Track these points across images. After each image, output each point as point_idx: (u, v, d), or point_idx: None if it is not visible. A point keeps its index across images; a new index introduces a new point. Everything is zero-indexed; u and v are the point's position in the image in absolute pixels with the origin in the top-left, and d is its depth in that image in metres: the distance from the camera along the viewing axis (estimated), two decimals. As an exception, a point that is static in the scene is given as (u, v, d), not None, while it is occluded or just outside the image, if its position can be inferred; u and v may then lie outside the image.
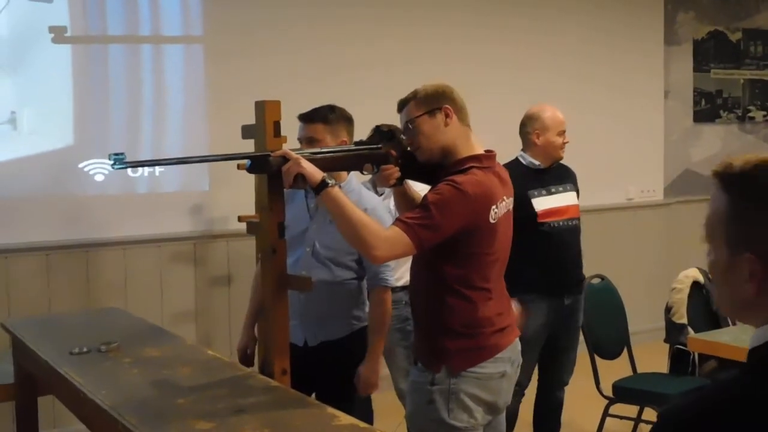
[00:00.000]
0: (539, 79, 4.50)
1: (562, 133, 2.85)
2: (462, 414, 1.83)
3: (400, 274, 2.78)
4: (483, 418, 1.87)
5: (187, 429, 1.57)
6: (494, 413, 1.92)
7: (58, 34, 3.39)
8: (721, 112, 5.36)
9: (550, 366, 2.92)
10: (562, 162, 2.93)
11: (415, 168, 1.92)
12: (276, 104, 1.89)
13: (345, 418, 1.61)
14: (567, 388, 3.02)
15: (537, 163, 2.84)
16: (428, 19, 4.23)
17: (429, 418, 1.85)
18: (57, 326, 2.62)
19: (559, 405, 3.01)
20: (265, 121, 1.87)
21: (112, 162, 1.64)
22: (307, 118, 2.28)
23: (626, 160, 4.92)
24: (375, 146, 1.91)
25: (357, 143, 1.96)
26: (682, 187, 5.18)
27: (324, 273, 2.27)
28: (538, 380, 2.94)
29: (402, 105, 1.91)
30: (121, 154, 1.64)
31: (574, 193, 2.92)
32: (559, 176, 2.90)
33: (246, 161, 1.83)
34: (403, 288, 2.73)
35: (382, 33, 4.10)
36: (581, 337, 3.13)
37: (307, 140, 2.26)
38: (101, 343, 2.19)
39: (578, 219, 2.91)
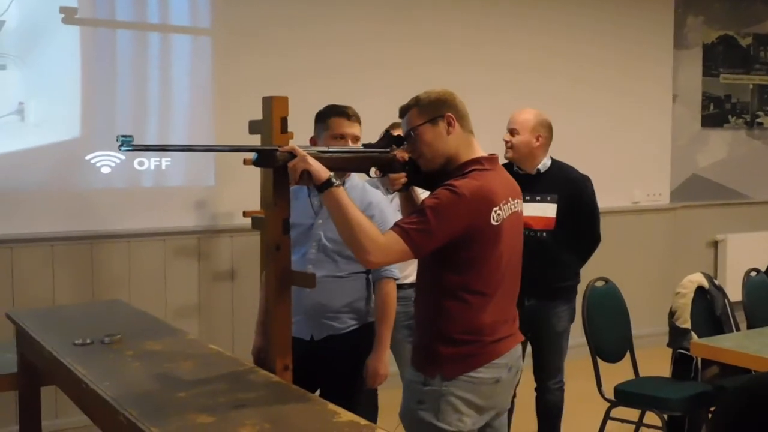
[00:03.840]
0: (547, 82, 4.49)
1: (509, 131, 2.85)
2: (451, 417, 1.82)
3: (409, 272, 2.78)
4: (473, 423, 1.86)
5: (188, 422, 1.57)
6: (488, 416, 1.90)
7: (69, 15, 3.40)
8: (730, 117, 5.34)
9: (535, 369, 2.91)
10: (563, 170, 2.88)
11: (421, 174, 1.90)
12: (283, 100, 1.89)
13: (346, 415, 1.61)
14: (568, 390, 3.01)
15: (515, 168, 2.82)
16: (437, 21, 4.23)
17: (419, 418, 1.84)
18: (61, 317, 2.63)
19: (552, 408, 2.96)
20: (272, 117, 1.87)
21: (119, 143, 1.64)
22: (346, 114, 2.31)
23: (633, 163, 4.91)
24: (384, 150, 1.91)
25: (365, 146, 1.96)
26: (688, 191, 5.17)
27: (331, 267, 2.28)
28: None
29: (403, 112, 1.89)
30: (129, 136, 1.64)
31: (553, 206, 2.82)
32: (543, 186, 2.83)
33: (253, 155, 1.83)
34: (411, 285, 2.73)
35: (390, 33, 4.09)
36: (584, 340, 3.13)
37: (353, 138, 2.28)
38: (104, 335, 2.20)
39: (548, 231, 2.81)
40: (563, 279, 2.92)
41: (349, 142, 2.26)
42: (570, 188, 2.87)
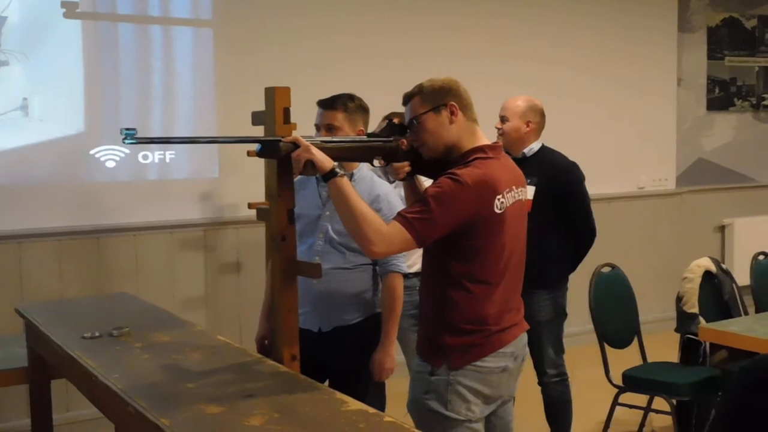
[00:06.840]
0: (550, 69, 4.46)
1: (500, 118, 2.87)
2: (460, 406, 1.82)
3: (413, 261, 2.78)
4: (481, 411, 1.86)
5: (197, 413, 1.58)
6: (495, 405, 1.91)
7: (70, 10, 3.40)
8: (735, 100, 5.30)
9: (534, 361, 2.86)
10: (549, 155, 2.84)
11: (424, 163, 1.90)
12: (286, 91, 1.89)
13: (354, 404, 1.62)
14: (576, 377, 3.01)
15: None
16: (441, 10, 4.21)
17: (427, 408, 1.84)
18: (69, 311, 2.64)
19: (553, 403, 2.91)
20: (274, 108, 1.87)
21: (123, 137, 1.65)
22: (327, 104, 2.27)
23: (638, 148, 4.89)
24: (386, 139, 1.90)
25: (369, 135, 1.95)
26: (694, 176, 5.14)
27: (338, 259, 2.28)
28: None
29: (407, 99, 1.88)
30: (133, 129, 1.65)
31: (531, 188, 2.72)
32: (525, 169, 2.57)
33: (256, 146, 1.83)
34: (416, 274, 2.72)
35: (393, 22, 4.08)
36: (591, 327, 3.12)
37: (325, 127, 2.25)
38: (113, 327, 2.21)
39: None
40: (545, 267, 2.75)
41: (322, 132, 2.24)
42: (552, 172, 2.79)
